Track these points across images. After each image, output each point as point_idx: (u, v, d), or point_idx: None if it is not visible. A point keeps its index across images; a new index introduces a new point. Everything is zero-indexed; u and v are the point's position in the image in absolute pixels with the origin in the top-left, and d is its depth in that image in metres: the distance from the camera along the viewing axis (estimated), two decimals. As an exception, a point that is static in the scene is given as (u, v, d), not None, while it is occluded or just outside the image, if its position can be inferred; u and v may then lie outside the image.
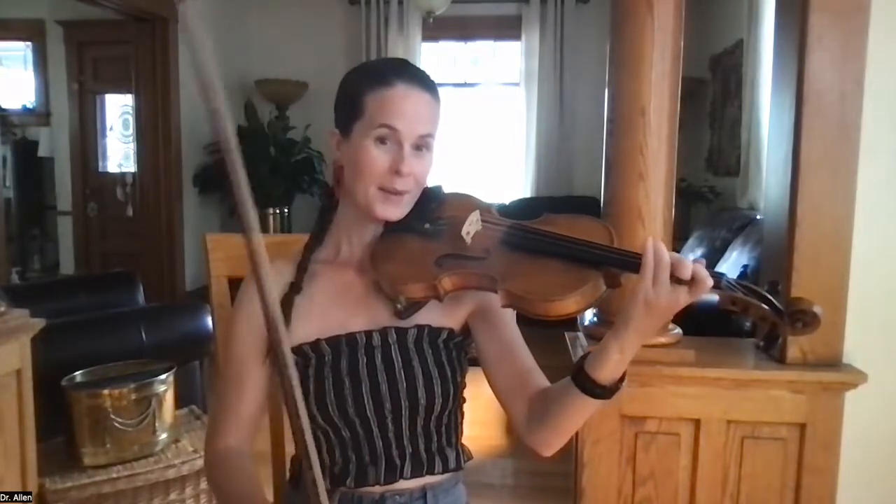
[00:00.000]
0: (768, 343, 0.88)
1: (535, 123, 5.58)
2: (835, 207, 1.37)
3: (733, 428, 1.39)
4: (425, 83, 1.02)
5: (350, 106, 1.01)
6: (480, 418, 3.09)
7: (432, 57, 5.87)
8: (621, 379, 0.92)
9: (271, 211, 5.34)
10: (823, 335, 1.38)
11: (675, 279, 0.83)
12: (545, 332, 1.75)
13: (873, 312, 1.42)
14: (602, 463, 1.41)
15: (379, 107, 0.98)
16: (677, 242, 3.66)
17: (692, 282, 0.84)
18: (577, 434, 1.44)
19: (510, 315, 1.07)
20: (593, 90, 5.25)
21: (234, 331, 1.07)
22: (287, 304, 1.02)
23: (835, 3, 1.34)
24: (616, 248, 0.92)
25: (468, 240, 0.98)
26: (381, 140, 0.99)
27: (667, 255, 0.84)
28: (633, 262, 0.87)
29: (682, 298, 0.84)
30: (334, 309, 1.04)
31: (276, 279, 1.05)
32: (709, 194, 4.80)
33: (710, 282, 0.84)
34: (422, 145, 1.01)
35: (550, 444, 1.01)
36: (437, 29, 5.15)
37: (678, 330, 1.44)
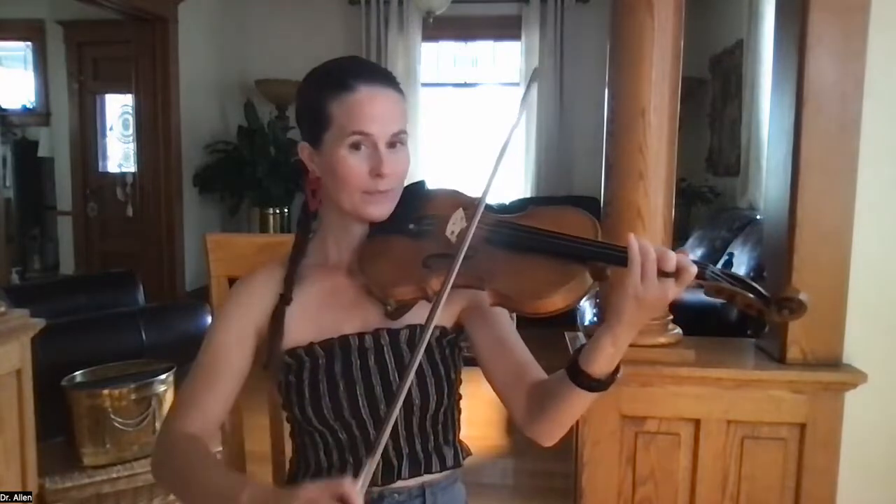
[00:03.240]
0: (756, 330, 0.89)
1: (535, 123, 5.58)
2: (835, 207, 1.37)
3: (733, 428, 1.39)
4: (386, 79, 1.01)
5: (314, 117, 1.00)
6: (480, 418, 3.10)
7: (432, 57, 5.85)
8: (616, 371, 0.92)
9: (271, 211, 5.35)
10: (823, 335, 1.38)
11: (662, 273, 0.84)
12: (545, 332, 1.75)
13: (873, 312, 1.42)
14: (602, 463, 1.41)
15: (346, 114, 0.97)
16: (677, 242, 3.66)
17: (677, 272, 0.84)
18: (577, 434, 1.44)
19: (503, 310, 1.07)
20: (593, 90, 5.24)
21: (221, 320, 1.06)
22: (279, 315, 1.02)
23: (835, 2, 1.34)
24: (601, 241, 0.92)
25: (453, 239, 0.98)
26: (356, 146, 0.98)
27: (652, 249, 0.84)
28: (618, 256, 0.88)
29: (671, 290, 0.85)
30: (326, 312, 1.04)
31: (268, 283, 1.05)
32: (709, 194, 4.80)
33: (695, 269, 0.84)
34: (396, 142, 1.00)
35: (551, 435, 1.01)
36: (437, 29, 5.14)
37: (678, 330, 1.44)
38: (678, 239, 3.86)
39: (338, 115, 0.98)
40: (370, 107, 0.97)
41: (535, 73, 1.00)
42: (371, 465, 0.78)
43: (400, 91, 1.03)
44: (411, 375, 0.84)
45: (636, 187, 1.38)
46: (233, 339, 1.04)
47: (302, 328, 1.02)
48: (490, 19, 5.67)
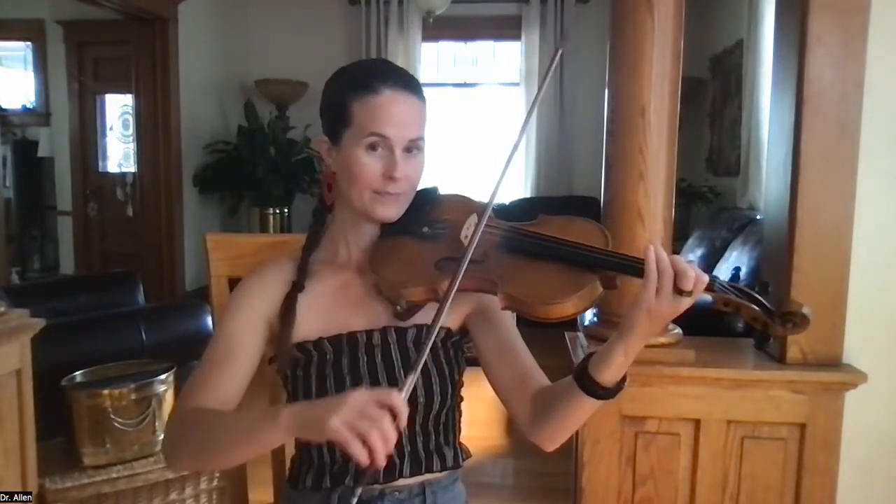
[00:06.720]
0: (760, 342, 0.90)
1: (535, 123, 5.58)
2: (835, 207, 1.37)
3: (733, 428, 1.39)
4: (410, 85, 1.03)
5: (337, 114, 1.02)
6: (481, 418, 3.10)
7: (432, 57, 5.85)
8: (623, 380, 0.93)
9: (271, 211, 5.34)
10: (823, 335, 1.38)
11: (677, 290, 0.84)
12: (545, 333, 1.75)
13: (873, 312, 1.42)
14: (602, 463, 1.41)
15: (367, 115, 0.99)
16: (677, 243, 3.66)
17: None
18: (577, 434, 1.44)
19: (508, 315, 1.08)
20: (593, 90, 5.24)
21: (231, 311, 1.06)
22: (291, 302, 1.03)
23: (835, 3, 1.34)
24: (613, 251, 0.93)
25: (466, 243, 0.99)
26: (372, 147, 1.00)
27: (669, 266, 0.84)
28: (631, 267, 0.89)
29: (684, 303, 0.85)
30: (336, 308, 1.05)
31: (278, 276, 1.07)
32: (709, 194, 4.80)
33: (706, 280, 0.85)
34: (412, 148, 1.02)
35: (554, 440, 1.02)
36: (437, 29, 5.14)
37: (678, 330, 1.44)
38: (678, 239, 3.86)
39: (359, 114, 1.00)
40: (391, 110, 0.99)
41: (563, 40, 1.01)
42: (410, 382, 0.82)
43: (423, 99, 1.05)
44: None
45: (636, 187, 1.38)
46: (244, 326, 1.04)
47: (311, 323, 1.03)
48: (490, 19, 5.67)
